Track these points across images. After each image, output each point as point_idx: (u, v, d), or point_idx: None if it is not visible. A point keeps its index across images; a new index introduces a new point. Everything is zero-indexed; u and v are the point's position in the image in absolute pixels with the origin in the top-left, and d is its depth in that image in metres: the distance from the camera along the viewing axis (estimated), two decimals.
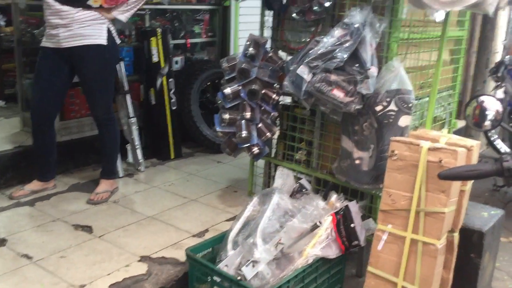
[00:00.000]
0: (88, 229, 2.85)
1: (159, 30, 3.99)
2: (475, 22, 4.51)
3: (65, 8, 2.93)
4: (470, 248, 2.32)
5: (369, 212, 2.67)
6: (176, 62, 4.50)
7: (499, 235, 2.66)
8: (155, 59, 4.00)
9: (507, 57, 4.31)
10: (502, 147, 4.32)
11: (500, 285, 2.69)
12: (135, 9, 3.16)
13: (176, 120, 4.16)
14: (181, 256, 2.53)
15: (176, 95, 4.13)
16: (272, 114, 2.90)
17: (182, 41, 4.68)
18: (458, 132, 3.64)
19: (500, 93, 4.36)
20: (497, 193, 4.03)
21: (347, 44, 2.29)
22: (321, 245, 2.19)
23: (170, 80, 4.08)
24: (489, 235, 2.34)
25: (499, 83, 4.36)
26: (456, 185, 2.04)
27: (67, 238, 2.72)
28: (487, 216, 2.43)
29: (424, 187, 2.06)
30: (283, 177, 2.64)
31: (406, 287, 2.09)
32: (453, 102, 3.28)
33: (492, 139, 4.27)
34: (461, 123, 4.51)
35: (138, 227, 2.92)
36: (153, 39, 3.96)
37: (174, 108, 4.13)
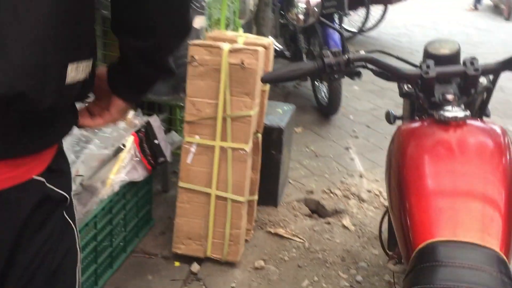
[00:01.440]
0: None
1: None
2: None
3: None
4: (271, 145, 2.38)
5: (170, 125, 2.51)
6: None
7: (292, 129, 2.82)
8: None
9: None
10: (276, 44, 4.54)
11: (294, 174, 2.89)
12: None
13: None
14: None
15: None
16: None
17: None
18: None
19: None
20: (276, 88, 4.24)
21: None
22: (126, 169, 1.97)
23: None
24: (286, 131, 2.43)
25: None
26: (258, 86, 2.01)
27: None
28: (282, 113, 2.51)
29: (229, 91, 1.97)
30: None
31: (220, 195, 2.06)
32: (236, 1, 3.21)
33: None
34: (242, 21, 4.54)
35: None
36: None
37: None
